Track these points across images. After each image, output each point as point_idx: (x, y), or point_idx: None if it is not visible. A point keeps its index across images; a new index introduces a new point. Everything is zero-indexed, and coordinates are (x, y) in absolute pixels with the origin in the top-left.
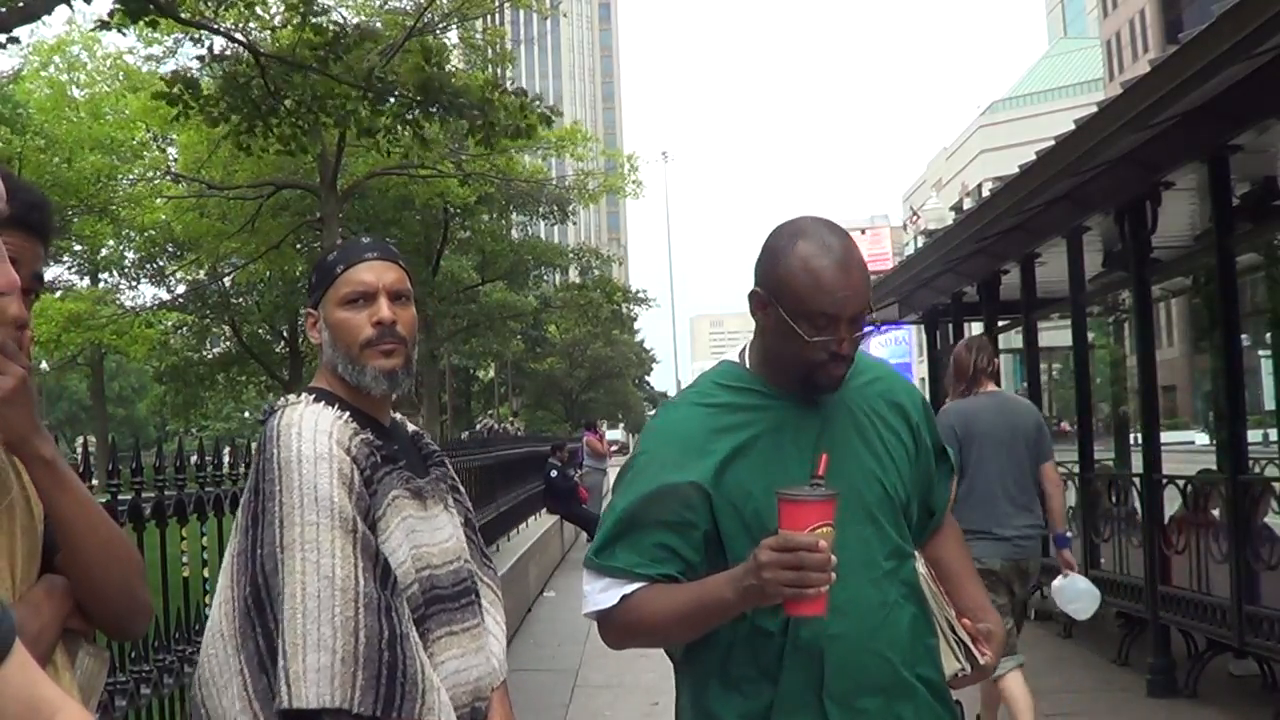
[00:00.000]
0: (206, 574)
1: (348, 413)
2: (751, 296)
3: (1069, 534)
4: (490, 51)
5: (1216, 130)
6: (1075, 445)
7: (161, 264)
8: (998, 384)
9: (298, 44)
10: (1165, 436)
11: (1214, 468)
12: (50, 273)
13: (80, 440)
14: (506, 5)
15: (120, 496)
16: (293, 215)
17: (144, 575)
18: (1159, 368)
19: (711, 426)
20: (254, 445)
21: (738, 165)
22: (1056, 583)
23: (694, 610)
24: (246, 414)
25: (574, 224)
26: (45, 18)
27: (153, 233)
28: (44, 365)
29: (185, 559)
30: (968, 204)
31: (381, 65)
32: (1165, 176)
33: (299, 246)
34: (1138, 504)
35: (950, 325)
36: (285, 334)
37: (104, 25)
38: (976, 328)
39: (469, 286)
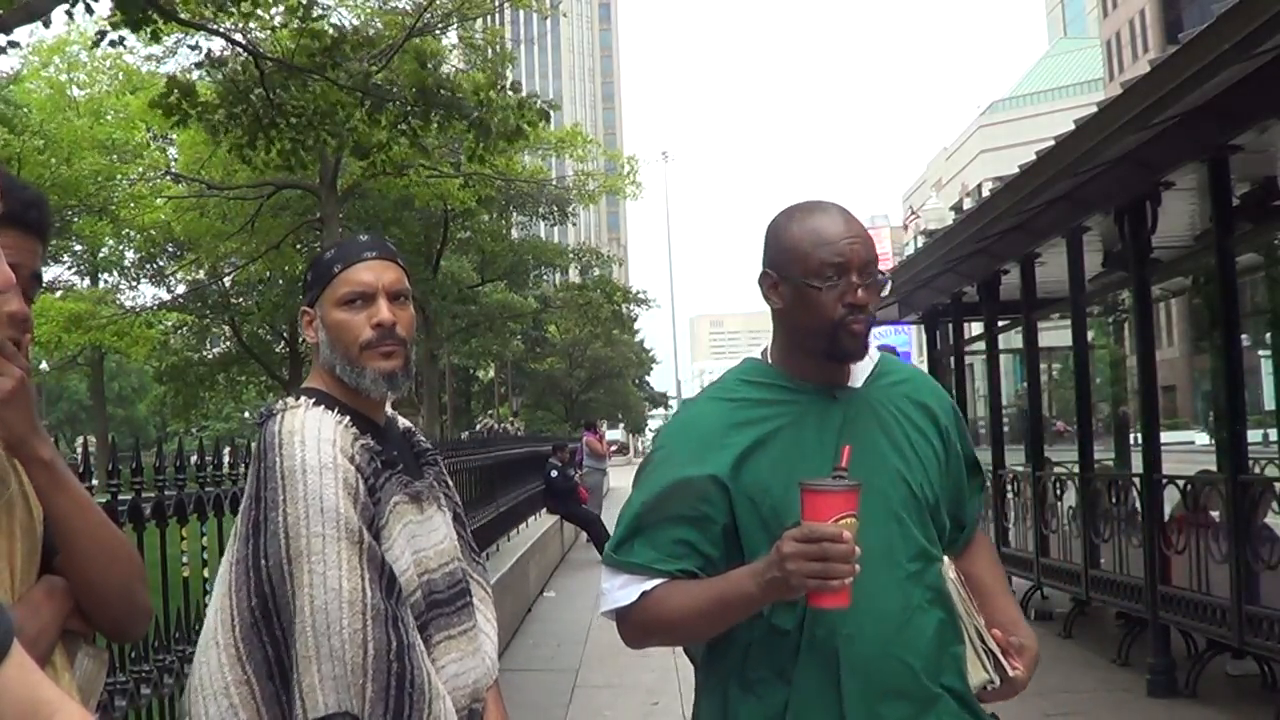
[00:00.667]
0: (206, 574)
1: (347, 416)
2: (761, 280)
3: None
4: (490, 51)
5: (1216, 130)
6: (1075, 445)
7: (161, 264)
8: None
9: (297, 49)
10: (1165, 436)
11: (1214, 468)
12: (50, 273)
13: (80, 440)
14: (506, 5)
15: (120, 496)
16: (293, 215)
17: (144, 577)
18: (1159, 368)
19: (731, 420)
20: (253, 447)
21: (738, 165)
22: None
23: (715, 605)
24: (246, 414)
25: (574, 224)
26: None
27: (153, 233)
28: (44, 365)
29: (185, 559)
30: (968, 204)
31: (378, 69)
32: (1165, 176)
33: (299, 246)
34: (1138, 504)
35: (950, 325)
36: (285, 334)
37: (102, 35)
38: (976, 328)
39: (469, 286)
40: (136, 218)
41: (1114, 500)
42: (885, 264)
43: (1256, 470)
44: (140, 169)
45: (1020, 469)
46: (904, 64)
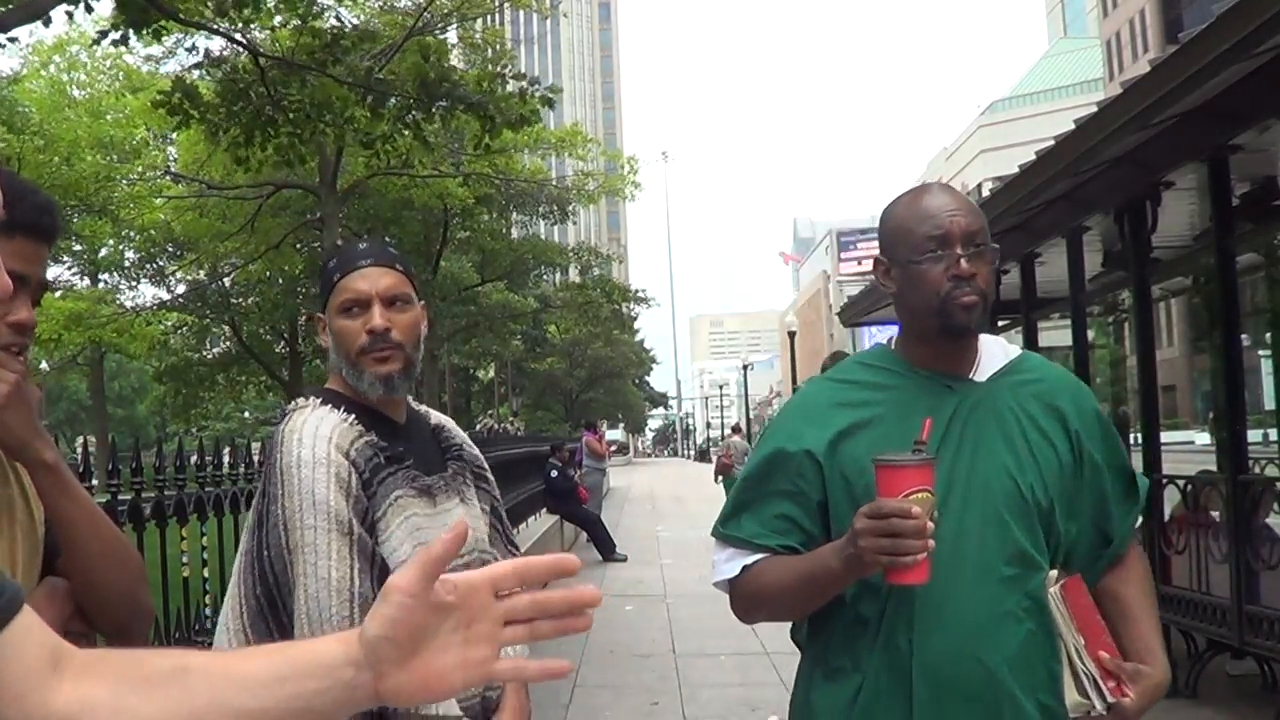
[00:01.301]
0: (206, 574)
1: (353, 415)
2: (874, 267)
3: None
4: (490, 51)
5: (1216, 130)
6: None
7: (161, 264)
8: None
9: (297, 47)
10: (1165, 436)
11: (1214, 468)
12: (50, 273)
13: (80, 440)
14: (506, 5)
15: (120, 496)
16: (292, 215)
17: (146, 579)
18: (1159, 368)
19: (837, 400)
20: (266, 445)
21: (738, 165)
22: None
23: (804, 581)
24: (246, 414)
25: (574, 223)
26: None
27: (152, 233)
28: (44, 365)
29: (185, 559)
30: None
31: (380, 66)
32: (1165, 176)
33: (299, 246)
34: None
35: None
36: (285, 334)
37: (103, 35)
38: None
39: (469, 286)
40: (136, 218)
41: None
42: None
43: (1256, 470)
44: (140, 169)
45: None
46: (904, 64)
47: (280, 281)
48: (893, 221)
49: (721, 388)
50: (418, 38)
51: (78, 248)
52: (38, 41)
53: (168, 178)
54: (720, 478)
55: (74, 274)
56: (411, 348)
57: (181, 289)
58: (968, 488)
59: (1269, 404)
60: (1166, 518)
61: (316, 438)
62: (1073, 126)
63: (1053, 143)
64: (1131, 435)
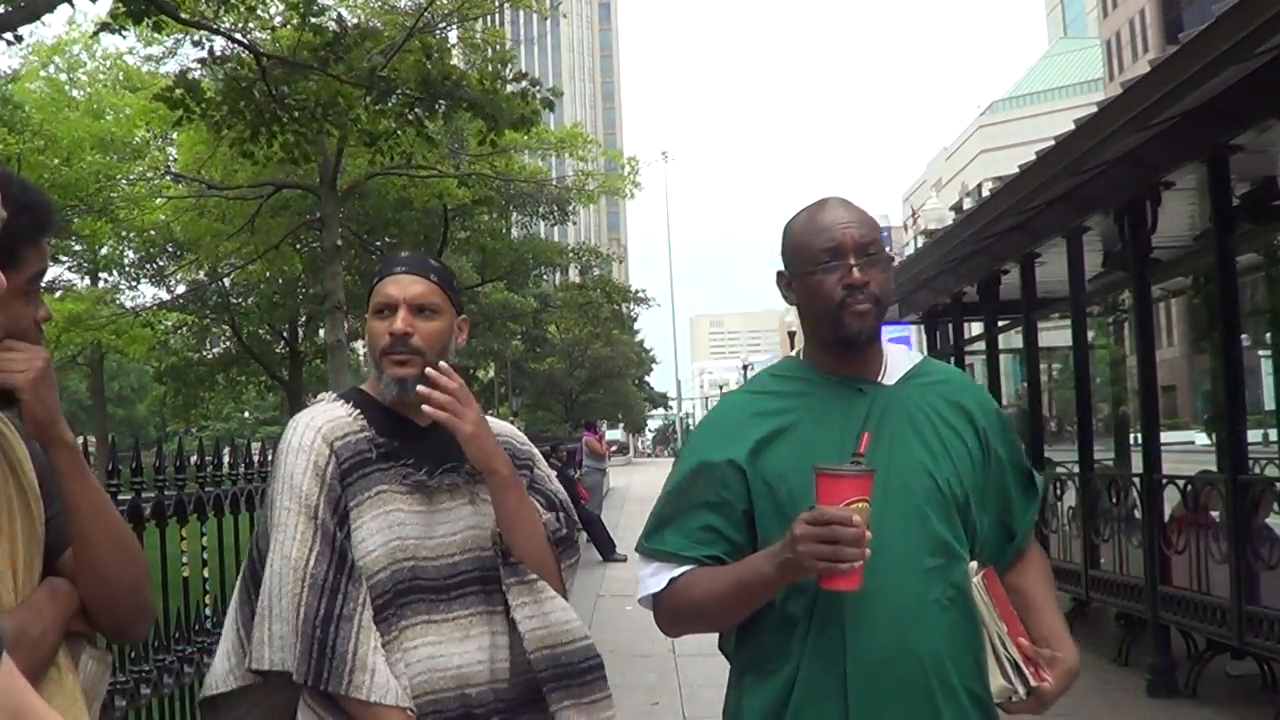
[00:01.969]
0: (206, 574)
1: (360, 411)
2: (777, 281)
3: None
4: (490, 51)
5: (1216, 130)
6: (1075, 445)
7: (161, 264)
8: None
9: (298, 45)
10: (1165, 436)
11: (1214, 468)
12: (50, 273)
13: (80, 440)
14: (506, 5)
15: (120, 496)
16: (292, 215)
17: (150, 577)
18: (1159, 368)
19: (753, 411)
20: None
21: (738, 165)
22: None
23: (735, 588)
24: (246, 414)
25: (574, 223)
26: (46, 17)
27: (152, 233)
28: None
29: (185, 559)
30: (968, 204)
31: (383, 64)
32: (1165, 176)
33: (298, 246)
34: (1138, 504)
35: (950, 325)
36: (285, 334)
37: (104, 27)
38: (976, 328)
39: (469, 286)
40: (136, 218)
41: (1114, 500)
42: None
43: (1256, 470)
44: (140, 168)
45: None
46: (904, 64)
47: (280, 281)
48: (790, 236)
49: (721, 388)
50: (420, 36)
51: (78, 248)
52: (38, 42)
53: (168, 178)
54: None
55: (74, 274)
56: (434, 355)
57: (181, 289)
58: (887, 484)
59: (1269, 404)
60: (1166, 518)
61: (308, 428)
62: (1073, 126)
63: (1053, 143)
64: (1131, 435)
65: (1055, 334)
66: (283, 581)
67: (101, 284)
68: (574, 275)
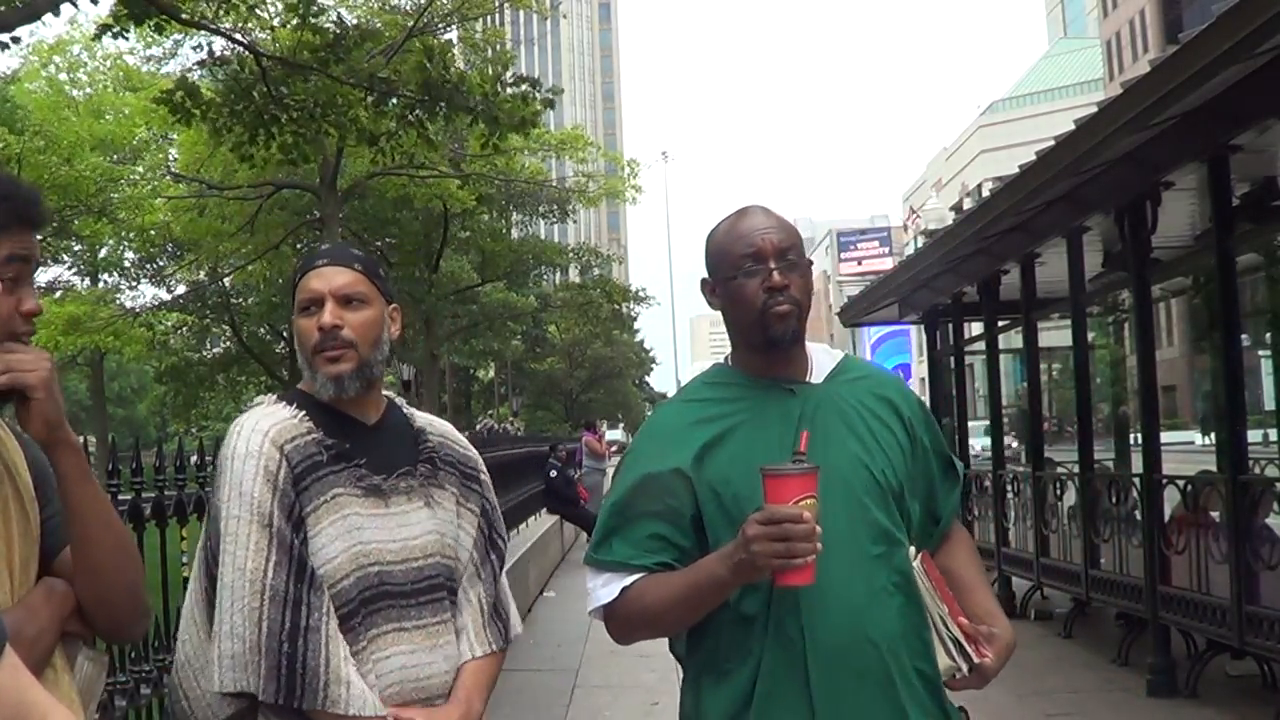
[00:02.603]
0: None
1: (305, 413)
2: (702, 288)
3: None
4: (490, 51)
5: (1216, 130)
6: (1075, 445)
7: (161, 264)
8: None
9: (298, 46)
10: (1165, 436)
11: (1214, 468)
12: (50, 273)
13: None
14: (506, 5)
15: (120, 496)
16: (292, 215)
17: (145, 578)
18: (1159, 368)
19: (691, 419)
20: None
21: (738, 165)
22: None
23: (689, 592)
24: None
25: (574, 223)
26: (46, 17)
27: (152, 233)
28: None
29: (185, 559)
30: (968, 204)
31: (383, 65)
32: (1165, 176)
33: (299, 246)
34: (1138, 504)
35: (950, 325)
36: (285, 334)
37: (106, 29)
38: (976, 328)
39: (469, 286)
40: (136, 219)
41: (1114, 500)
42: (883, 263)
43: (1256, 470)
44: (140, 169)
45: (1020, 469)
46: (904, 64)
47: (280, 281)
48: (713, 244)
49: None
50: (421, 37)
51: (78, 248)
52: (38, 41)
53: (168, 178)
54: None
55: (74, 274)
56: (367, 347)
57: (181, 289)
58: (827, 478)
59: (1269, 404)
60: (1167, 518)
61: (254, 432)
62: (1073, 126)
63: (1053, 143)
64: (1131, 435)
65: (1055, 334)
66: (236, 595)
67: (101, 285)
68: (574, 275)
